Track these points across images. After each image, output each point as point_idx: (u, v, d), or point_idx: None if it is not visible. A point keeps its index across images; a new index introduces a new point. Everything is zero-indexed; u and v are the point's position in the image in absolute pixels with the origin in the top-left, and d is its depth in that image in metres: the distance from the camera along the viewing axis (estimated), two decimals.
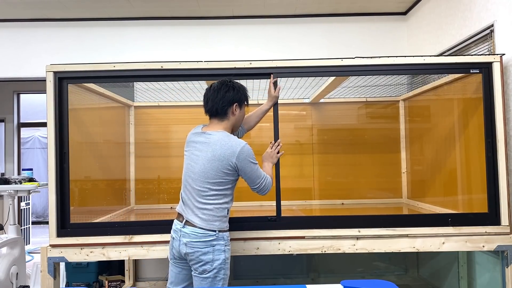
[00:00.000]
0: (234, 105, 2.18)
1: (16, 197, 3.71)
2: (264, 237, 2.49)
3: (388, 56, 2.56)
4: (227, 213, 2.16)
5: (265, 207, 3.49)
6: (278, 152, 2.43)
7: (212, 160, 2.09)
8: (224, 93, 2.17)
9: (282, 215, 2.54)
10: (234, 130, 2.29)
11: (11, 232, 3.51)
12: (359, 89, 3.38)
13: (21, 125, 6.49)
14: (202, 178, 2.10)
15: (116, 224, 2.58)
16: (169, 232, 2.47)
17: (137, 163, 3.64)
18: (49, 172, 2.45)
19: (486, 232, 2.48)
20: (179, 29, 4.18)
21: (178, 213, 2.20)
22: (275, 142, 2.48)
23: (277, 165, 2.51)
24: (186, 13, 4.10)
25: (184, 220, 2.12)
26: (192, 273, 2.11)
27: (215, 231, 2.07)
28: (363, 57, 2.55)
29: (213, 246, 2.06)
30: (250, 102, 3.63)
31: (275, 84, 2.51)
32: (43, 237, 6.89)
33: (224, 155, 2.08)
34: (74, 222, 2.50)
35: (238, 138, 2.23)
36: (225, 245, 2.11)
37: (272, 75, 2.53)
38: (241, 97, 2.22)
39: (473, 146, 2.72)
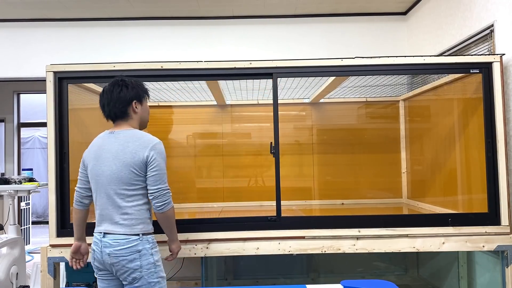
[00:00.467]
0: (133, 103, 2.06)
1: (16, 197, 3.71)
2: (264, 237, 2.48)
3: (388, 56, 2.56)
4: (150, 214, 2.05)
5: (265, 207, 3.50)
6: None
7: (123, 158, 1.96)
8: (118, 94, 2.03)
9: (282, 215, 2.53)
10: (143, 127, 2.17)
11: (11, 232, 3.51)
12: (359, 89, 3.38)
13: (21, 125, 6.50)
14: (116, 180, 1.96)
15: None
16: None
17: None
18: (49, 172, 2.45)
19: (486, 232, 2.48)
20: (179, 29, 4.18)
21: (96, 224, 2.05)
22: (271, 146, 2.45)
23: (277, 165, 2.51)
24: (186, 13, 4.10)
25: (103, 230, 1.99)
26: (124, 283, 1.99)
27: (138, 235, 1.95)
28: (363, 57, 2.55)
29: (139, 252, 1.94)
30: (249, 102, 3.70)
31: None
32: (43, 237, 6.89)
33: (135, 150, 1.96)
34: None
35: None
36: (152, 248, 1.99)
37: None
38: (138, 92, 2.09)
39: (473, 146, 2.72)
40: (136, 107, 2.08)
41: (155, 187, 1.97)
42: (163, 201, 1.98)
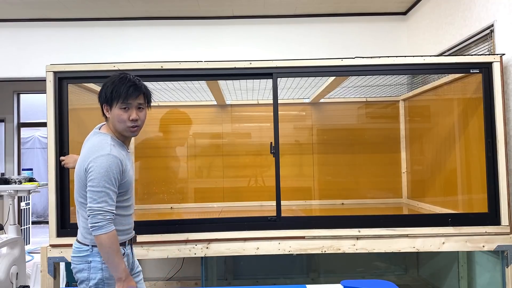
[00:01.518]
0: (103, 105, 1.87)
1: (16, 197, 3.71)
2: (264, 237, 2.49)
3: (388, 56, 2.56)
4: None
5: (265, 207, 3.50)
6: None
7: (78, 161, 1.84)
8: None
9: (282, 215, 2.54)
10: (122, 133, 1.89)
11: (11, 232, 3.51)
12: (359, 89, 3.38)
13: (21, 125, 6.49)
14: (75, 184, 1.85)
15: None
16: (169, 232, 2.49)
17: (136, 163, 3.64)
18: (49, 172, 2.45)
19: (486, 232, 2.48)
20: (179, 29, 4.18)
21: None
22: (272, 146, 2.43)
23: (277, 165, 2.51)
24: (186, 13, 4.10)
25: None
26: None
27: (88, 245, 1.81)
28: (363, 57, 2.55)
29: (89, 263, 1.80)
30: (249, 102, 3.70)
31: None
32: (43, 237, 6.88)
33: (82, 158, 1.80)
34: (74, 222, 2.49)
35: None
36: (103, 263, 1.78)
37: None
38: (107, 96, 1.83)
39: (473, 146, 2.72)
40: (106, 110, 1.87)
41: (87, 206, 1.74)
42: (92, 222, 1.71)
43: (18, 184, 3.59)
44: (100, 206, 1.72)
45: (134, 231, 2.00)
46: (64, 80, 2.50)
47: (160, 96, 3.44)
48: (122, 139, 1.92)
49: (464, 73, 2.70)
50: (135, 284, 1.83)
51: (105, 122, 1.95)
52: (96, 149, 1.77)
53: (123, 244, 1.88)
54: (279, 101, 2.57)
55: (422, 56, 2.58)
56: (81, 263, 1.81)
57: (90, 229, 1.73)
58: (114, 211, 1.77)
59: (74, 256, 1.84)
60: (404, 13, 4.17)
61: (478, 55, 2.82)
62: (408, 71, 2.79)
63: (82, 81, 2.62)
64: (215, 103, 3.69)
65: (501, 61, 2.51)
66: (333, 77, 2.79)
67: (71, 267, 1.86)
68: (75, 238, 2.38)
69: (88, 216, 1.73)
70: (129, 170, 1.89)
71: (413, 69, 2.64)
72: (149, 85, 3.22)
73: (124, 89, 1.82)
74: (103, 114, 1.90)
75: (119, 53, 4.13)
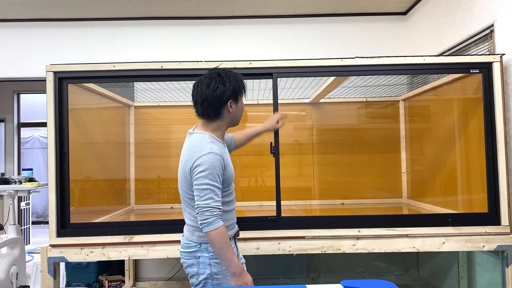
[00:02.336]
0: (228, 102, 1.90)
1: (16, 197, 3.71)
2: (264, 237, 2.49)
3: (388, 56, 2.56)
4: None
5: (265, 207, 3.50)
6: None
7: (181, 164, 1.90)
8: (213, 92, 1.86)
9: (282, 215, 2.53)
10: (233, 125, 2.02)
11: (11, 232, 3.51)
12: (359, 89, 3.38)
13: (21, 125, 6.50)
14: (180, 184, 1.92)
15: (116, 224, 2.58)
16: (169, 232, 2.49)
17: (137, 163, 3.64)
18: (49, 172, 2.45)
19: (486, 232, 2.48)
20: (179, 29, 4.18)
21: None
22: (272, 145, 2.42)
23: (277, 165, 2.51)
24: (186, 13, 4.10)
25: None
26: None
27: (196, 242, 1.88)
28: (363, 57, 2.55)
29: (197, 258, 1.86)
30: (249, 102, 3.69)
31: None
32: (43, 237, 6.88)
33: (186, 159, 1.86)
34: (74, 222, 2.49)
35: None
36: (211, 258, 1.85)
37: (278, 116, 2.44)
38: (236, 89, 1.90)
39: (473, 146, 2.72)
40: (231, 106, 1.91)
41: (195, 204, 1.79)
42: (201, 220, 1.76)
43: (18, 184, 3.60)
44: (206, 203, 1.77)
45: (237, 226, 2.04)
46: (64, 80, 2.50)
47: (160, 96, 3.44)
48: (222, 134, 1.98)
49: (464, 73, 2.70)
50: (251, 278, 1.84)
51: (197, 125, 2.00)
52: (198, 149, 1.83)
53: None
54: (279, 101, 2.57)
55: (422, 56, 2.58)
56: (190, 258, 1.88)
57: (200, 227, 1.79)
58: (221, 207, 1.81)
59: (183, 251, 1.91)
60: (404, 13, 4.17)
61: (478, 55, 2.83)
62: (408, 71, 2.78)
63: (82, 81, 2.62)
64: None
65: (501, 61, 2.51)
66: (333, 77, 2.79)
67: (181, 261, 1.93)
68: (75, 238, 2.40)
69: (197, 214, 1.79)
70: (230, 164, 1.93)
71: (413, 69, 2.64)
72: (149, 85, 3.21)
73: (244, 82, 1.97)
74: (219, 113, 1.91)
75: (119, 53, 4.13)
